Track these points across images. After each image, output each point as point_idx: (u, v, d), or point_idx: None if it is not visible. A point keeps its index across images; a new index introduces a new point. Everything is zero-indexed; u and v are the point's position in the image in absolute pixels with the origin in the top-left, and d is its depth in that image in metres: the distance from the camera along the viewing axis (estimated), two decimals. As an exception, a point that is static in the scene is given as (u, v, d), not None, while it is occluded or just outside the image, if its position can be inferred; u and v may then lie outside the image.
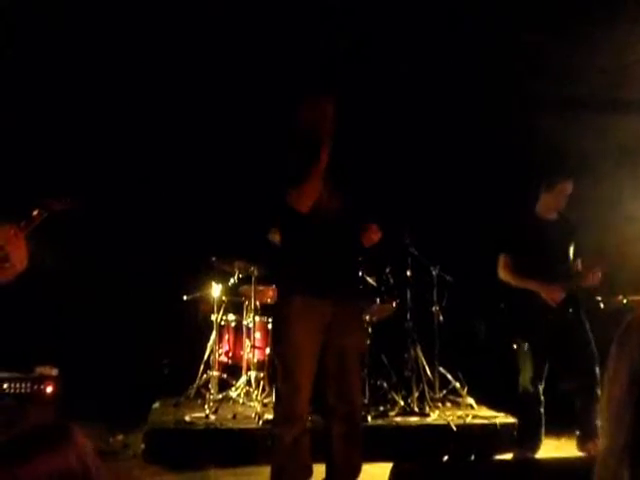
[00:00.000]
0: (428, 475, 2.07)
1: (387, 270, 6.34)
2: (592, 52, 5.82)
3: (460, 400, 6.38)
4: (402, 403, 6.03)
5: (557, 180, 5.03)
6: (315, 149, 3.76)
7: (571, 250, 5.06)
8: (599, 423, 1.35)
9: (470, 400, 6.29)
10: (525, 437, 5.03)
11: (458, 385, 6.40)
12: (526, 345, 4.90)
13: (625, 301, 6.37)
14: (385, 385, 6.24)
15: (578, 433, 4.91)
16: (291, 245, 3.94)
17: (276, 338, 4.05)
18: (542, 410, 4.93)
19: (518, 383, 5.00)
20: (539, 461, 3.91)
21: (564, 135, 6.23)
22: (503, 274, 5.09)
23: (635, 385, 1.27)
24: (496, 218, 5.45)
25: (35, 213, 3.71)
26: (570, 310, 4.94)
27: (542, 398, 4.93)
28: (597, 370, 4.73)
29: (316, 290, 3.83)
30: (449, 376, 6.43)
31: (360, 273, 6.21)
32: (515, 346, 5.00)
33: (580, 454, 4.82)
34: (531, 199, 5.16)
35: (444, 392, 6.47)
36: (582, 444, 4.83)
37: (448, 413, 5.96)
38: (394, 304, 6.29)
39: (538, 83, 6.30)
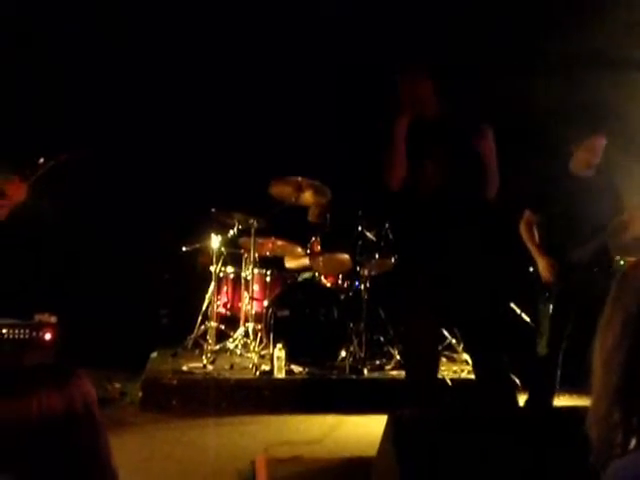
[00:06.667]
0: (425, 422, 2.09)
1: (386, 225, 6.33)
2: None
3: (456, 356, 6.42)
4: (398, 357, 6.07)
5: (585, 136, 4.89)
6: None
7: (608, 206, 4.86)
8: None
9: (465, 356, 6.33)
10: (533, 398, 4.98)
11: (454, 341, 6.43)
12: (548, 306, 4.85)
13: (622, 262, 6.34)
14: (382, 339, 6.29)
15: None
16: None
17: None
18: (558, 373, 4.83)
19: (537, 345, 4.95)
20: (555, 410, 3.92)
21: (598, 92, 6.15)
22: (522, 231, 5.07)
23: (627, 332, 1.29)
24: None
25: (40, 162, 3.74)
26: (595, 269, 4.84)
27: (559, 361, 4.83)
28: None
29: None
30: (445, 332, 6.45)
31: (360, 228, 6.24)
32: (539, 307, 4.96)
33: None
34: (566, 156, 5.05)
35: (440, 347, 6.50)
36: None
37: (443, 368, 6.00)
38: (393, 259, 6.29)
39: (569, 38, 6.17)
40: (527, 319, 6.28)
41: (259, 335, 6.19)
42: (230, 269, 6.67)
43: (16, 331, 5.20)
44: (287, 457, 4.10)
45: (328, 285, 6.41)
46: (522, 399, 4.86)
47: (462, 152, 4.20)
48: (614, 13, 5.81)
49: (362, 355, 5.95)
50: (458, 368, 6.05)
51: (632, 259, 5.99)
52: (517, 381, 5.42)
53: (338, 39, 6.41)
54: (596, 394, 1.32)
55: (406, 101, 4.23)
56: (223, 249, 6.49)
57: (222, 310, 6.62)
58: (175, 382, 5.53)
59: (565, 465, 2.21)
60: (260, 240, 6.37)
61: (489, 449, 2.12)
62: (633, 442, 1.24)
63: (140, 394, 5.47)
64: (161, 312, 7.19)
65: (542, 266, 4.88)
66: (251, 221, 6.19)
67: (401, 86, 4.30)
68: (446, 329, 6.39)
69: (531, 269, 5.04)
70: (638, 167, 5.58)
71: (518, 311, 6.43)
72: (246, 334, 6.30)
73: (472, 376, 5.73)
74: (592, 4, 5.67)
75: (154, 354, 6.36)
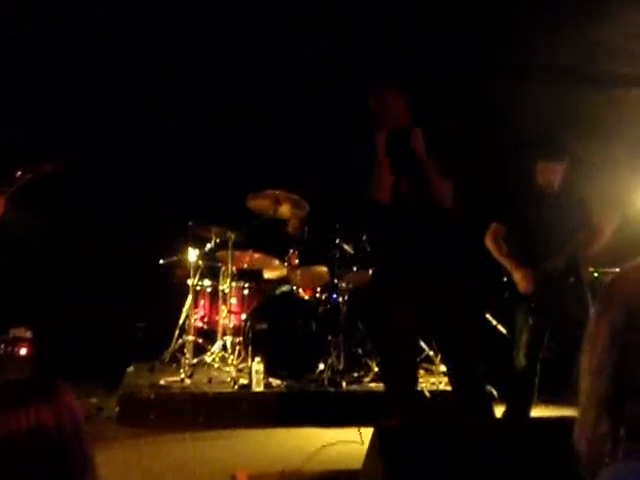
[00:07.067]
0: (411, 434, 2.10)
1: (364, 238, 6.35)
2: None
3: (433, 368, 6.44)
4: (376, 369, 6.07)
5: (538, 161, 4.92)
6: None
7: (576, 218, 4.88)
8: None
9: (443, 368, 6.35)
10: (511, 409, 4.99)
11: (432, 353, 6.45)
12: (525, 318, 4.86)
13: (596, 274, 6.40)
14: (360, 351, 6.29)
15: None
16: None
17: None
18: (535, 382, 4.85)
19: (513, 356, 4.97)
20: (535, 420, 3.95)
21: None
22: (489, 243, 5.07)
23: (614, 345, 1.31)
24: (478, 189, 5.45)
25: (18, 174, 3.71)
26: (571, 280, 4.88)
27: (537, 370, 4.84)
28: None
29: None
30: (423, 344, 6.47)
31: (337, 241, 6.25)
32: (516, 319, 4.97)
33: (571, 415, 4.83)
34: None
35: (418, 360, 6.51)
36: None
37: (421, 380, 6.01)
38: (370, 272, 6.30)
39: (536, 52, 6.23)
40: (503, 330, 6.32)
41: (237, 348, 6.17)
42: (207, 282, 6.65)
43: (-9, 346, 5.15)
44: (269, 471, 4.08)
45: (306, 298, 6.40)
46: (499, 410, 4.89)
47: (412, 162, 4.26)
48: (585, 29, 5.90)
49: (340, 368, 5.95)
50: (436, 380, 6.07)
51: (606, 270, 6.08)
52: (494, 392, 5.47)
53: (314, 51, 6.44)
54: (584, 405, 1.34)
55: (378, 115, 4.27)
56: (200, 262, 6.46)
57: (199, 324, 6.59)
58: (153, 396, 5.49)
59: (550, 476, 2.23)
60: (238, 253, 6.36)
61: (476, 460, 2.14)
62: (621, 452, 1.26)
63: (117, 409, 5.42)
64: (137, 325, 7.13)
65: (519, 278, 4.87)
66: (229, 234, 6.18)
67: (371, 101, 4.34)
68: (424, 341, 6.42)
69: (505, 279, 5.05)
70: (608, 178, 5.66)
71: (494, 322, 6.47)
72: (224, 347, 6.28)
73: (449, 388, 5.78)
74: (565, 20, 5.76)
75: (130, 368, 6.30)
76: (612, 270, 6.04)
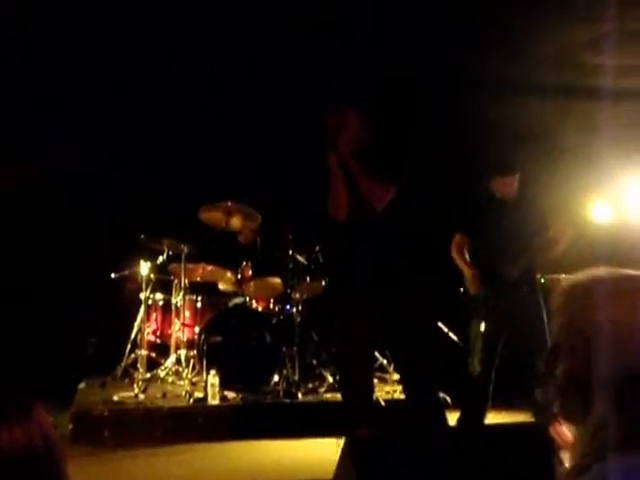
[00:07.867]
0: (385, 442, 2.13)
1: (317, 249, 6.39)
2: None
3: (387, 377, 6.49)
4: (331, 380, 6.11)
5: (492, 175, 5.04)
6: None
7: (534, 226, 5.00)
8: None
9: (397, 376, 6.40)
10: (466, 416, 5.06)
11: (385, 362, 6.50)
12: (480, 325, 4.94)
13: (542, 280, 6.53)
14: (315, 362, 6.32)
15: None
16: None
17: None
18: (490, 389, 4.92)
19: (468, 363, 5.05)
20: (490, 427, 4.02)
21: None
22: (454, 254, 5.16)
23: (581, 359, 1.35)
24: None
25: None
26: (525, 288, 4.99)
27: (492, 377, 4.91)
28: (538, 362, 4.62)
29: None
30: (376, 353, 6.52)
31: (290, 252, 6.27)
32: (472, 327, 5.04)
33: (524, 420, 4.92)
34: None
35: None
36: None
37: (376, 389, 6.05)
38: (323, 282, 6.34)
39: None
40: (455, 338, 6.42)
41: (191, 362, 6.13)
42: (159, 296, 6.58)
43: (-63, 365, 5.02)
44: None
45: (260, 309, 6.40)
46: (453, 417, 4.95)
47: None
48: (532, 40, 6.03)
49: (295, 379, 5.96)
50: (390, 389, 6.12)
51: (556, 276, 6.19)
52: (447, 399, 5.54)
53: (267, 61, 6.44)
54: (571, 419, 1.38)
55: (333, 133, 4.27)
56: (152, 275, 6.40)
57: (152, 337, 6.53)
58: (106, 413, 5.42)
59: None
60: (190, 266, 6.32)
61: (450, 469, 2.18)
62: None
63: (70, 427, 5.32)
64: (89, 341, 7.02)
65: (467, 276, 5.01)
66: (181, 247, 6.15)
67: (328, 118, 4.33)
68: (377, 350, 6.46)
69: (462, 289, 5.15)
70: (557, 188, 5.80)
71: (445, 330, 6.57)
72: (178, 361, 6.23)
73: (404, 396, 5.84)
74: (511, 31, 5.88)
75: (82, 385, 6.20)
76: (558, 276, 6.17)
